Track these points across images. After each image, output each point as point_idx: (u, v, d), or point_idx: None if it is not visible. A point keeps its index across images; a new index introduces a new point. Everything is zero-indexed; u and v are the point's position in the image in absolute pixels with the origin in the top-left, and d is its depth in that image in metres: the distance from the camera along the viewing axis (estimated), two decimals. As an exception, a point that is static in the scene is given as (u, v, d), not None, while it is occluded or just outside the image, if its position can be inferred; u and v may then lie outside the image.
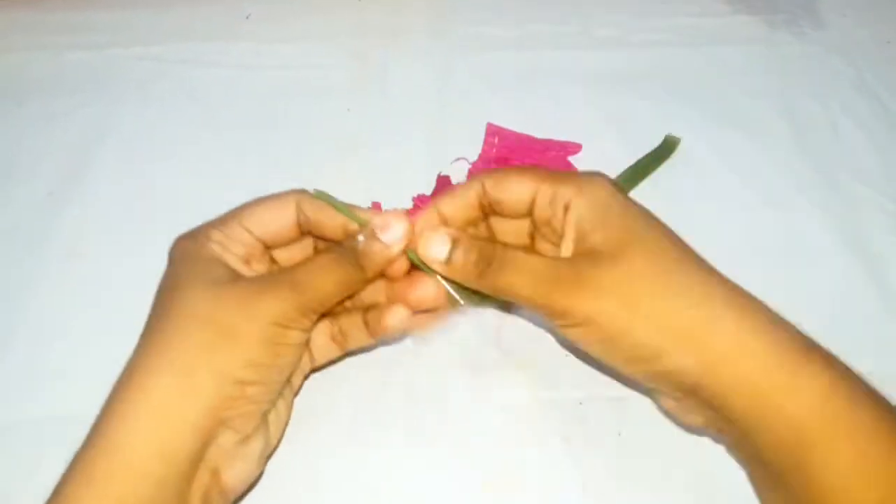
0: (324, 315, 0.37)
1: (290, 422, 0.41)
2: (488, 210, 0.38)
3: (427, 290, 0.37)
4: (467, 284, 0.36)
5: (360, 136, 0.56)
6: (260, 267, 0.37)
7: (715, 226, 0.50)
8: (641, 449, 0.41)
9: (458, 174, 0.52)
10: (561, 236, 0.36)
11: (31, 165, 0.54)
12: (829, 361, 0.33)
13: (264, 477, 0.40)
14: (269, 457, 0.37)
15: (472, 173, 0.52)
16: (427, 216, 0.38)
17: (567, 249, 0.36)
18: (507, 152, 0.53)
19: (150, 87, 0.59)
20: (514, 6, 0.64)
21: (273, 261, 0.39)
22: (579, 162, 0.53)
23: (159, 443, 0.32)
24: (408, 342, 0.45)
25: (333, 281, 0.35)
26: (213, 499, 0.33)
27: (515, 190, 0.37)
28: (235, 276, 0.35)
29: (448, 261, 0.36)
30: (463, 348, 0.44)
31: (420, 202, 0.51)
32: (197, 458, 0.32)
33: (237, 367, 0.33)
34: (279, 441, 0.38)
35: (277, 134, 0.56)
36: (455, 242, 0.36)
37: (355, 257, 0.35)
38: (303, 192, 0.38)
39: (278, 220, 0.37)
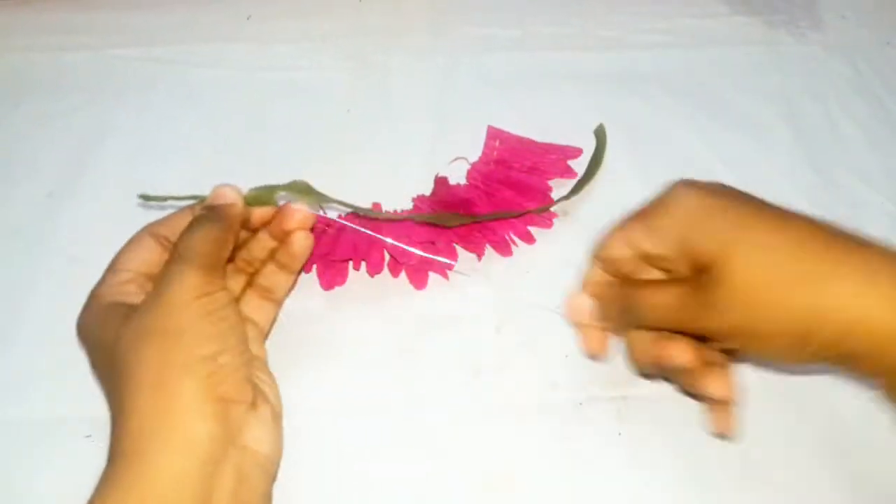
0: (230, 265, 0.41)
1: (290, 421, 0.41)
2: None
3: (297, 214, 0.42)
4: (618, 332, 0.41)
5: (360, 138, 0.56)
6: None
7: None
8: (641, 449, 0.41)
9: (456, 174, 0.52)
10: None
11: (30, 166, 0.54)
12: None
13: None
14: (281, 422, 0.38)
15: (471, 174, 0.52)
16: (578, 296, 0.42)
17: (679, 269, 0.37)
18: (508, 155, 0.53)
19: (150, 88, 0.59)
20: (515, 7, 0.64)
21: None
22: (580, 165, 0.53)
23: (175, 440, 0.33)
24: (407, 346, 0.45)
25: (208, 236, 0.38)
26: (250, 471, 0.35)
27: (620, 253, 0.39)
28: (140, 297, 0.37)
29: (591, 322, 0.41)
30: (463, 348, 0.44)
31: (420, 203, 0.51)
32: (219, 439, 0.33)
33: (196, 348, 0.34)
34: (281, 405, 0.39)
35: (277, 135, 0.56)
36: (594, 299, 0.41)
37: (212, 211, 0.40)
38: (150, 224, 0.41)
39: (145, 253, 0.40)
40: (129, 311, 0.36)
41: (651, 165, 0.54)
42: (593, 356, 0.43)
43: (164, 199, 0.43)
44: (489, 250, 0.49)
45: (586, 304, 0.41)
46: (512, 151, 0.53)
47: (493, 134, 0.54)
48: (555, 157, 0.53)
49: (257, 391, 0.37)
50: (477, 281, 0.48)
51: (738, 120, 0.57)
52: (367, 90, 0.59)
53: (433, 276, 0.48)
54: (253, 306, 0.42)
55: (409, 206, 0.51)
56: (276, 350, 0.43)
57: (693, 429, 0.42)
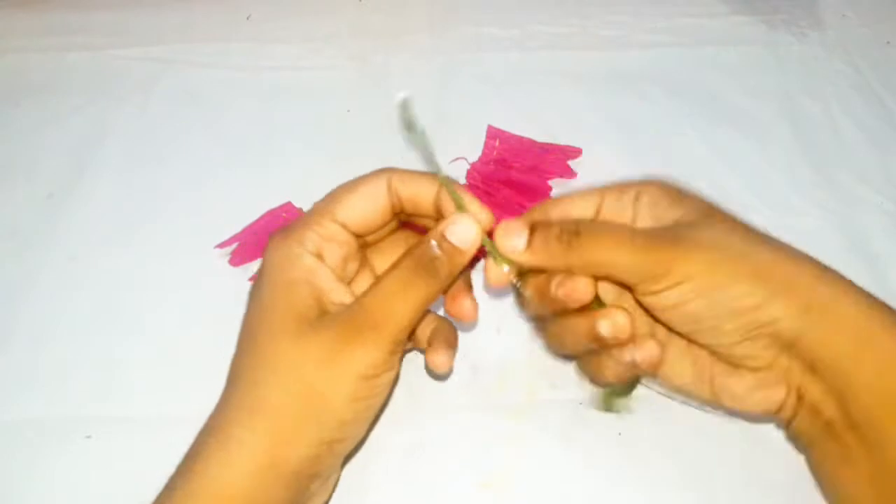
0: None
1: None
2: None
3: (465, 304, 0.36)
4: (556, 266, 0.34)
5: (361, 137, 0.56)
6: (352, 266, 0.36)
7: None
8: (641, 449, 0.41)
9: (456, 174, 0.52)
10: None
11: (30, 167, 0.54)
12: None
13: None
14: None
15: (471, 174, 0.52)
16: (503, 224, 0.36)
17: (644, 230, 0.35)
18: (508, 155, 0.53)
19: (150, 88, 0.59)
20: (515, 7, 0.64)
21: (364, 256, 0.38)
22: (580, 165, 0.53)
23: (253, 497, 0.31)
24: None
25: (413, 306, 0.33)
26: None
27: (581, 206, 0.37)
28: (323, 307, 0.33)
29: (529, 245, 0.34)
30: (463, 348, 0.44)
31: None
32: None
33: (327, 431, 0.32)
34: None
35: (277, 135, 0.56)
36: (532, 227, 0.34)
37: (429, 268, 0.33)
38: (391, 169, 0.36)
39: (372, 208, 0.35)
40: (305, 314, 0.32)
41: (650, 164, 0.54)
42: (492, 287, 0.38)
43: (425, 145, 0.35)
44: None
45: (520, 233, 0.34)
46: (511, 151, 0.53)
47: (493, 133, 0.54)
48: (554, 157, 0.53)
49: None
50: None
51: (737, 119, 0.57)
52: (367, 90, 0.59)
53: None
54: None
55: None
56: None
57: (693, 429, 0.42)
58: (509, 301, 0.46)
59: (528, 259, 0.35)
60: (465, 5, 0.64)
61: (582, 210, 0.37)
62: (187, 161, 0.54)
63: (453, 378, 0.43)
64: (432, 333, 0.38)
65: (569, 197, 0.38)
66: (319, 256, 0.34)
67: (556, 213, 0.38)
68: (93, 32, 0.62)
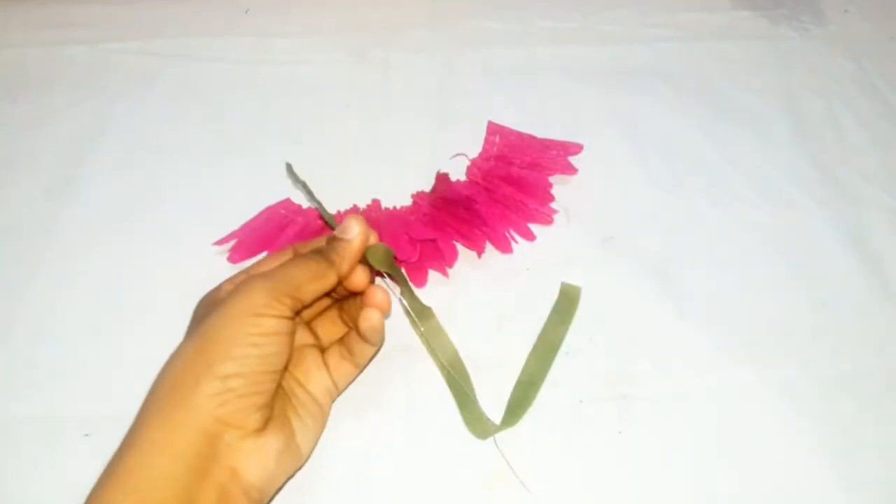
0: (303, 310, 0.40)
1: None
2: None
3: (379, 295, 0.41)
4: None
5: (360, 132, 0.56)
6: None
7: (716, 221, 0.50)
8: (641, 448, 0.41)
9: (456, 171, 0.52)
10: None
11: (27, 162, 0.54)
12: None
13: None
14: (294, 462, 0.38)
15: (472, 170, 0.52)
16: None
17: None
18: (509, 151, 0.53)
19: (149, 83, 0.59)
20: (516, 2, 0.64)
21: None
22: (581, 161, 0.53)
23: (166, 444, 0.34)
24: (407, 344, 0.45)
25: (306, 271, 0.38)
26: (235, 494, 0.35)
27: None
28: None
29: None
30: (463, 348, 0.44)
31: (420, 199, 0.50)
32: (205, 456, 0.34)
33: (217, 364, 0.35)
34: (308, 453, 0.39)
35: (277, 129, 0.56)
36: None
37: (321, 252, 0.39)
38: (297, 245, 0.42)
39: (273, 263, 0.40)
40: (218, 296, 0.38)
41: (651, 159, 0.54)
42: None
43: (303, 184, 0.46)
44: (489, 247, 0.49)
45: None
46: (512, 147, 0.53)
47: (494, 130, 0.54)
48: (555, 153, 0.53)
49: (272, 422, 0.37)
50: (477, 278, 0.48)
51: (739, 114, 0.57)
52: (367, 85, 0.59)
53: (433, 274, 0.48)
54: (335, 360, 0.42)
55: (408, 202, 0.51)
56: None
57: (693, 429, 0.42)
58: (509, 300, 0.46)
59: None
60: (467, 0, 0.64)
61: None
62: (186, 156, 0.54)
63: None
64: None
65: None
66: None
67: None
68: (91, 26, 0.62)
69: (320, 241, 0.42)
